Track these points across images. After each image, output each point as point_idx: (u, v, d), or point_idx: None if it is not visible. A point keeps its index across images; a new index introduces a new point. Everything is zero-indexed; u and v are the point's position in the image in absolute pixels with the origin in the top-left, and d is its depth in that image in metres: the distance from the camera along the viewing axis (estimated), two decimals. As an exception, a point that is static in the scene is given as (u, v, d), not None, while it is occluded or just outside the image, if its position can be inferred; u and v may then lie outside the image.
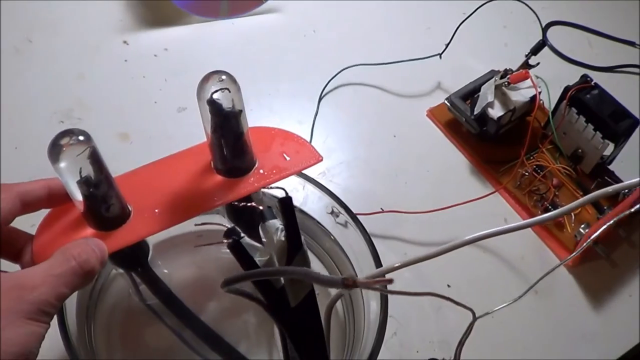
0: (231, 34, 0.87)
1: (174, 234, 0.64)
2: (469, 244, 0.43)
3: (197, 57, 0.82)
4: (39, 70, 0.80)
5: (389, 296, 0.54)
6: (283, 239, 0.43)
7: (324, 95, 0.81)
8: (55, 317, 0.48)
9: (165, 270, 0.59)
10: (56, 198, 0.49)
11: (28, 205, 0.48)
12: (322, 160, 0.56)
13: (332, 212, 0.61)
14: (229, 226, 0.51)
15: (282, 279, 0.44)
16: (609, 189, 0.42)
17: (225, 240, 0.44)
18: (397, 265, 0.43)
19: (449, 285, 0.67)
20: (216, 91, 0.50)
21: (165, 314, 0.58)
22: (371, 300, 0.56)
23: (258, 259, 0.45)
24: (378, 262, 0.55)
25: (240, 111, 0.52)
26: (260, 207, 0.48)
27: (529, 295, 0.67)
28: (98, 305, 0.60)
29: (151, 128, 0.75)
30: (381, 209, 0.69)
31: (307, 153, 0.57)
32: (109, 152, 0.63)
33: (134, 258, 0.55)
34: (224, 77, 0.50)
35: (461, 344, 0.43)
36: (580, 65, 0.87)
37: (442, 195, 0.72)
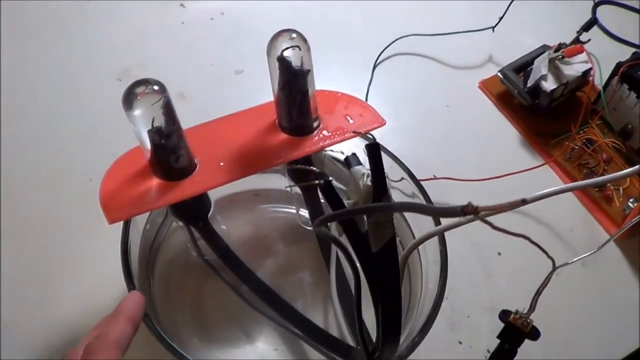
0: (287, 1, 0.84)
1: (233, 192, 0.63)
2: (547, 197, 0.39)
3: (252, 23, 0.80)
4: (99, 31, 0.79)
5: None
6: (369, 183, 0.41)
7: (378, 64, 0.79)
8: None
9: (223, 227, 0.57)
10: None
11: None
12: (385, 124, 0.54)
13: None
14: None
15: (365, 223, 0.42)
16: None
17: (317, 182, 0.42)
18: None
19: (499, 253, 0.65)
20: (287, 48, 0.48)
21: (222, 269, 0.57)
22: (429, 267, 0.55)
23: (346, 201, 0.43)
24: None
25: (309, 70, 0.50)
26: (316, 169, 0.45)
27: (577, 266, 0.65)
28: (157, 259, 0.59)
29: (208, 89, 0.74)
30: (434, 175, 0.67)
31: (371, 116, 0.55)
32: None
33: (196, 212, 0.53)
34: (294, 35, 0.49)
35: (538, 293, 0.41)
36: (629, 44, 0.83)
37: (493, 165, 0.69)
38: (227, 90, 0.73)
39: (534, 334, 0.42)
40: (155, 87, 0.45)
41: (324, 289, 0.58)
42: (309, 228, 0.61)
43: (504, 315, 0.42)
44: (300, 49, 0.48)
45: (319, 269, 0.59)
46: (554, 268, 0.41)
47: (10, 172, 0.65)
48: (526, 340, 0.59)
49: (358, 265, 0.43)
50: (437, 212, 0.35)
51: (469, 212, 0.32)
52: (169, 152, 0.47)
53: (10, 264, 0.59)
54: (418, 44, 0.81)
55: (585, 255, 0.50)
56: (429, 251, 0.54)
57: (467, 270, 0.64)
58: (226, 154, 0.50)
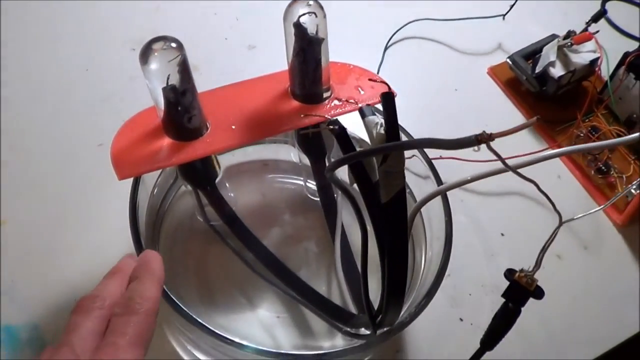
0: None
1: (242, 161, 0.62)
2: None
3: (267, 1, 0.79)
4: (113, 2, 0.78)
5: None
6: (382, 132, 0.40)
7: (389, 46, 0.78)
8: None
9: (231, 194, 0.57)
10: None
11: None
12: (396, 95, 0.54)
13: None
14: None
15: (377, 173, 0.41)
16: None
17: (331, 127, 0.42)
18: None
19: (502, 234, 0.64)
20: (304, 14, 0.48)
21: (228, 235, 0.56)
22: (434, 237, 0.54)
23: (358, 149, 0.43)
24: (446, 200, 0.53)
25: (323, 39, 0.49)
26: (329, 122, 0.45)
27: (579, 250, 0.65)
28: (163, 224, 0.58)
29: (221, 62, 0.73)
30: (440, 155, 0.67)
31: (382, 88, 0.54)
32: None
33: (204, 175, 0.53)
34: (312, 2, 0.48)
35: (544, 249, 0.41)
36: (635, 39, 0.83)
37: (499, 148, 0.68)
38: (239, 64, 0.72)
39: (539, 293, 0.42)
40: (173, 45, 0.46)
41: (328, 259, 0.58)
42: (315, 199, 0.60)
43: (510, 273, 0.42)
44: (316, 16, 0.48)
45: (324, 240, 0.59)
46: (561, 223, 0.41)
47: (22, 133, 0.65)
48: (529, 325, 0.60)
49: (366, 217, 0.42)
50: (451, 145, 0.35)
51: (483, 139, 0.32)
52: (182, 111, 0.46)
53: (17, 223, 0.59)
54: (429, 29, 0.80)
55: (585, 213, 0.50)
56: (434, 224, 0.54)
57: (470, 250, 0.64)
58: (238, 118, 0.50)
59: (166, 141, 0.48)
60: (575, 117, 0.71)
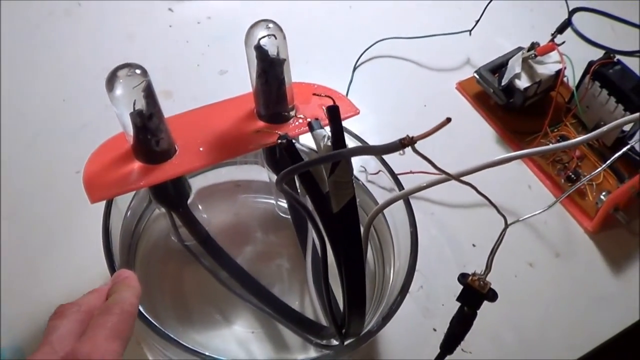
0: (272, 5, 0.87)
1: (215, 182, 0.65)
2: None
3: (238, 26, 0.81)
4: (89, 31, 0.81)
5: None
6: (329, 144, 0.43)
7: (358, 66, 0.81)
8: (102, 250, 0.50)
9: (205, 215, 0.60)
10: None
11: None
12: (359, 113, 0.57)
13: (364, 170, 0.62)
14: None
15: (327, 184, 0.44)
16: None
17: (279, 141, 0.45)
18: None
19: (474, 245, 0.67)
20: (263, 37, 0.51)
21: (202, 255, 0.59)
22: (401, 250, 0.57)
23: (350, 147, 0.45)
24: (410, 211, 0.55)
25: (284, 59, 0.52)
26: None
27: (551, 257, 0.68)
28: (139, 245, 0.61)
29: (193, 88, 0.76)
30: (410, 170, 0.70)
31: (345, 106, 0.57)
32: None
33: (176, 197, 0.55)
34: (271, 25, 0.52)
35: (493, 252, 0.43)
36: (602, 48, 0.86)
37: (469, 162, 0.71)
38: (211, 89, 0.75)
39: (492, 295, 0.44)
40: (137, 71, 0.48)
41: (300, 274, 0.60)
42: (287, 217, 0.63)
43: (463, 277, 0.44)
44: (276, 38, 0.51)
45: (296, 256, 0.62)
46: (506, 225, 0.44)
47: (2, 162, 0.68)
48: (503, 330, 0.62)
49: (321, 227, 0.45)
50: (379, 150, 0.38)
51: (406, 143, 0.35)
52: (150, 135, 0.49)
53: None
54: (397, 47, 0.84)
55: (533, 214, 0.52)
56: (401, 236, 0.57)
57: (442, 262, 0.66)
58: (205, 140, 0.53)
59: (136, 165, 0.51)
60: (544, 127, 0.74)
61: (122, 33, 0.81)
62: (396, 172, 0.68)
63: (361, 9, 0.90)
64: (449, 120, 0.35)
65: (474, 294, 0.44)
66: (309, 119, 0.49)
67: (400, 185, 0.57)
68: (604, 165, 0.67)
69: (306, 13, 0.88)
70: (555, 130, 0.75)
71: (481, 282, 0.44)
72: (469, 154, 0.75)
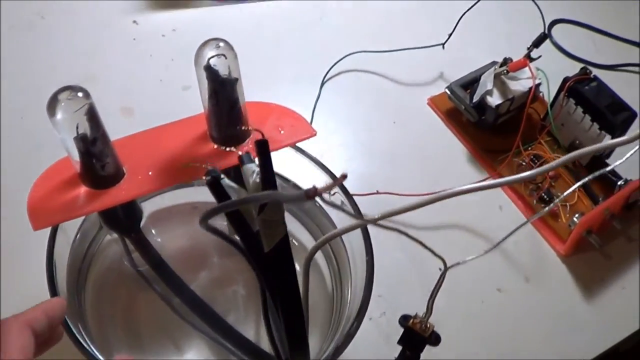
0: (239, 18, 0.88)
1: (170, 205, 0.65)
2: (446, 198, 0.43)
3: (204, 39, 0.82)
4: (50, 45, 0.82)
5: (377, 273, 0.54)
6: (258, 180, 0.44)
7: (326, 80, 0.82)
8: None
9: (159, 239, 0.60)
10: (55, 326, 0.45)
11: (37, 337, 0.42)
12: (315, 134, 0.57)
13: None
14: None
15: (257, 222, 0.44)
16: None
17: (204, 178, 0.45)
18: (377, 216, 0.43)
19: (440, 269, 0.67)
20: (213, 57, 0.51)
21: (155, 280, 0.59)
22: (358, 276, 0.57)
23: (256, 194, 0.45)
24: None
25: (236, 79, 0.53)
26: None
27: (521, 282, 0.68)
28: (91, 267, 0.61)
29: (155, 105, 0.77)
30: (377, 190, 0.70)
31: (302, 128, 0.58)
32: (112, 124, 0.64)
33: (127, 221, 0.56)
34: (221, 44, 0.52)
35: (433, 296, 0.44)
36: (581, 61, 0.87)
37: (439, 181, 0.72)
38: (173, 105, 0.74)
39: (435, 339, 0.44)
40: (79, 94, 0.48)
41: (257, 301, 0.59)
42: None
43: (404, 320, 0.45)
44: (226, 58, 0.51)
45: (252, 283, 0.61)
46: (446, 267, 0.44)
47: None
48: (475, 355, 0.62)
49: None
50: (288, 198, 0.38)
51: (311, 195, 0.35)
52: (95, 160, 0.49)
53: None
54: (368, 61, 0.84)
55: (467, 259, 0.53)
56: (358, 263, 0.57)
57: (407, 286, 0.66)
58: (155, 163, 0.53)
59: (82, 190, 0.51)
60: (518, 145, 0.74)
61: (85, 47, 0.82)
62: (363, 192, 0.69)
63: (332, 21, 0.91)
64: (344, 177, 0.35)
65: (416, 337, 0.44)
66: (239, 152, 0.49)
67: (357, 210, 0.58)
68: (576, 185, 0.67)
69: (276, 25, 0.89)
70: (530, 148, 0.76)
71: (423, 326, 0.44)
72: (438, 172, 0.75)
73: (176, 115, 0.57)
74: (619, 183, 0.71)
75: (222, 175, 0.45)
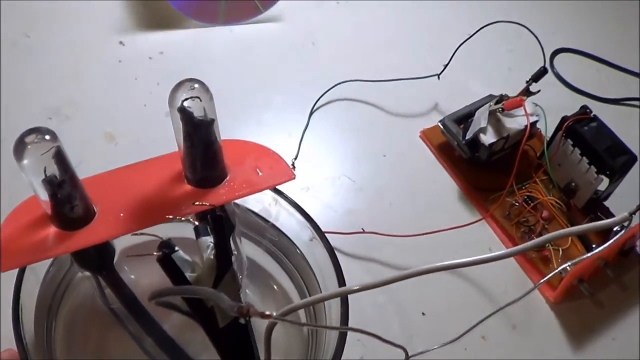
0: (228, 41, 0.89)
1: (146, 240, 0.65)
2: (425, 273, 0.43)
3: (193, 63, 0.84)
4: (34, 66, 0.83)
5: (357, 316, 0.54)
6: (212, 257, 0.44)
7: (315, 109, 0.83)
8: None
9: (132, 276, 0.60)
10: None
11: None
12: (294, 178, 0.57)
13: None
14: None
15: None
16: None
17: (155, 253, 0.45)
18: (355, 287, 0.43)
19: (423, 314, 0.68)
20: (187, 99, 0.52)
21: (128, 319, 0.59)
22: (333, 317, 0.57)
23: (189, 274, 0.46)
24: (342, 280, 0.56)
25: (213, 120, 0.53)
26: (197, 223, 0.49)
27: (507, 329, 0.68)
28: (62, 303, 0.62)
29: (138, 130, 0.77)
30: (362, 229, 0.70)
31: (281, 170, 0.58)
32: (93, 151, 0.64)
33: (98, 260, 0.56)
34: (196, 85, 0.52)
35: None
36: (584, 94, 0.87)
37: (427, 220, 0.73)
38: (156, 132, 0.75)
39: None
40: (47, 137, 0.48)
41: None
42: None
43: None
44: (201, 100, 0.52)
45: (229, 325, 0.62)
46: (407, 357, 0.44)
47: None
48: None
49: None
50: (222, 304, 0.38)
51: (244, 313, 0.35)
52: (63, 202, 0.50)
53: None
54: (360, 90, 0.85)
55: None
56: (333, 310, 0.57)
57: (387, 332, 0.66)
58: (127, 204, 0.53)
59: (52, 230, 0.51)
60: (512, 184, 0.74)
61: (68, 68, 0.83)
62: (347, 230, 0.70)
63: (324, 47, 0.92)
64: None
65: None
66: (195, 223, 0.49)
67: (334, 259, 0.58)
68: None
69: (263, 50, 0.90)
70: (524, 188, 0.76)
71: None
72: (428, 210, 0.76)
73: (158, 141, 0.57)
74: (614, 229, 0.70)
75: (177, 248, 0.46)
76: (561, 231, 0.40)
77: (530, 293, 0.70)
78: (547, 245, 0.71)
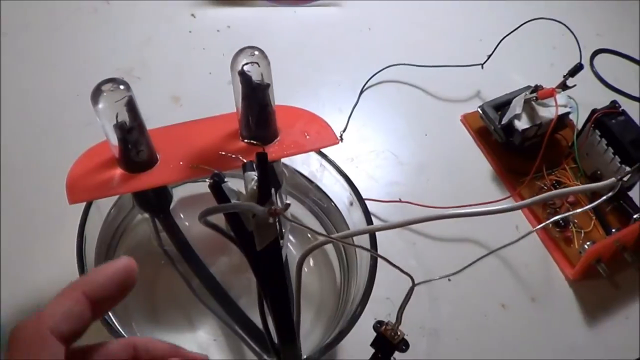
0: (292, 20, 0.93)
1: (200, 192, 0.70)
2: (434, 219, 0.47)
3: (257, 38, 0.87)
4: (111, 31, 0.88)
5: (388, 277, 0.58)
6: (255, 188, 0.48)
7: (366, 89, 0.87)
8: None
9: (187, 223, 0.65)
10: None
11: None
12: (338, 142, 0.61)
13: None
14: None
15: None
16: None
17: (207, 180, 0.50)
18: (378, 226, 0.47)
19: (449, 279, 0.71)
20: (246, 64, 0.56)
21: (179, 261, 0.64)
22: (363, 270, 0.61)
23: (234, 201, 0.50)
24: (374, 242, 0.60)
25: (268, 85, 0.57)
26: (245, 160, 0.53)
27: (526, 301, 0.71)
28: (120, 242, 0.67)
29: (201, 95, 0.82)
30: (399, 199, 0.74)
31: (326, 135, 0.62)
32: (158, 110, 0.68)
33: (157, 203, 0.61)
34: (256, 52, 0.56)
35: (402, 308, 0.48)
36: (618, 92, 0.90)
37: (460, 196, 0.76)
38: (219, 98, 0.79)
39: (402, 346, 0.48)
40: (121, 87, 0.53)
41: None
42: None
43: (379, 325, 0.49)
44: (259, 66, 0.56)
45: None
46: (413, 284, 0.48)
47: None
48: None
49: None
50: (255, 211, 0.44)
51: (273, 212, 0.39)
52: (131, 146, 0.55)
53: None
54: (408, 73, 0.89)
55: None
56: (363, 263, 0.61)
57: (415, 293, 0.69)
58: (186, 154, 0.58)
59: (118, 172, 0.56)
60: (542, 169, 0.78)
61: (142, 35, 0.88)
62: (385, 199, 0.74)
63: (379, 32, 0.96)
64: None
65: (386, 342, 0.48)
66: (244, 160, 0.53)
67: (370, 222, 0.62)
68: (584, 208, 0.72)
69: (323, 31, 0.94)
70: (553, 173, 0.79)
71: (392, 333, 0.48)
72: (462, 187, 0.79)
73: (219, 107, 0.61)
74: (634, 216, 0.73)
75: (226, 179, 0.50)
76: (559, 191, 0.44)
77: (552, 270, 0.73)
78: (570, 226, 0.74)
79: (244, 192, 0.50)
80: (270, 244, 0.48)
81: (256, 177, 0.49)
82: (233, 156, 0.55)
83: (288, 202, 0.42)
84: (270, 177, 0.48)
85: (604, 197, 0.49)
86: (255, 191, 0.48)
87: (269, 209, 0.40)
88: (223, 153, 0.57)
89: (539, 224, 0.75)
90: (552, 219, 0.72)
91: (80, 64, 0.84)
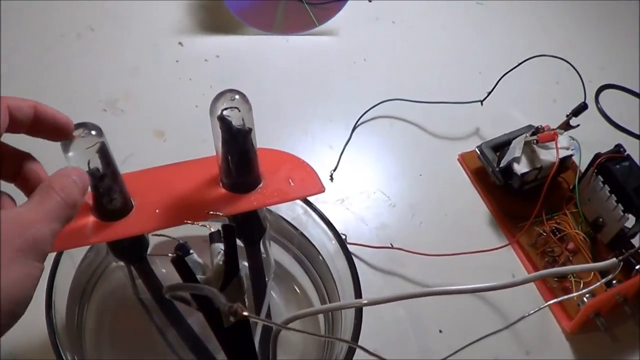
0: (284, 50, 0.92)
1: (182, 236, 0.69)
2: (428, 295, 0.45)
3: (246, 68, 0.87)
4: (95, 58, 0.87)
5: (376, 327, 0.56)
6: (221, 263, 0.47)
7: (359, 124, 0.85)
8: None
9: (164, 270, 0.64)
10: (41, 124, 0.49)
11: (15, 122, 0.46)
12: (323, 191, 0.60)
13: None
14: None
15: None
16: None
17: (169, 255, 0.48)
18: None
19: (440, 331, 0.69)
20: (226, 109, 0.55)
21: (155, 310, 0.63)
22: (348, 324, 0.59)
23: (200, 276, 0.48)
24: (358, 292, 0.58)
25: (250, 130, 0.56)
26: (212, 229, 0.52)
27: (520, 354, 0.69)
28: (95, 290, 0.65)
29: (187, 130, 0.81)
30: (391, 244, 0.73)
31: (312, 182, 0.60)
32: (141, 146, 0.66)
33: (133, 251, 0.60)
34: (236, 96, 0.55)
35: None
36: (625, 131, 0.88)
37: (455, 241, 0.74)
38: (204, 134, 0.77)
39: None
40: (93, 132, 0.52)
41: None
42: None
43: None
44: (240, 110, 0.54)
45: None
46: None
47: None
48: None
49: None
50: (217, 301, 0.41)
51: (232, 311, 0.38)
52: (103, 194, 0.53)
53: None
54: (404, 109, 0.87)
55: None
56: (348, 317, 0.60)
57: (404, 344, 0.69)
58: (163, 202, 0.57)
59: (91, 220, 0.55)
60: (541, 214, 0.76)
61: (127, 63, 0.87)
62: (375, 244, 0.72)
63: (374, 65, 0.94)
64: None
65: None
66: (211, 230, 0.52)
67: (354, 271, 0.60)
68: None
69: (316, 62, 0.93)
70: (553, 219, 0.77)
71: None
72: (457, 231, 0.78)
73: (204, 143, 0.60)
74: (637, 267, 0.72)
75: (192, 251, 0.48)
76: (570, 267, 0.42)
77: (549, 323, 0.72)
78: (569, 276, 0.72)
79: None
80: (238, 322, 0.46)
81: (222, 251, 0.47)
82: (211, 212, 0.53)
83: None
84: (236, 252, 0.46)
85: (604, 280, 0.47)
86: (221, 267, 0.46)
87: (229, 306, 0.39)
88: (189, 222, 0.55)
89: (536, 271, 0.73)
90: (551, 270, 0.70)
91: (62, 95, 0.82)
